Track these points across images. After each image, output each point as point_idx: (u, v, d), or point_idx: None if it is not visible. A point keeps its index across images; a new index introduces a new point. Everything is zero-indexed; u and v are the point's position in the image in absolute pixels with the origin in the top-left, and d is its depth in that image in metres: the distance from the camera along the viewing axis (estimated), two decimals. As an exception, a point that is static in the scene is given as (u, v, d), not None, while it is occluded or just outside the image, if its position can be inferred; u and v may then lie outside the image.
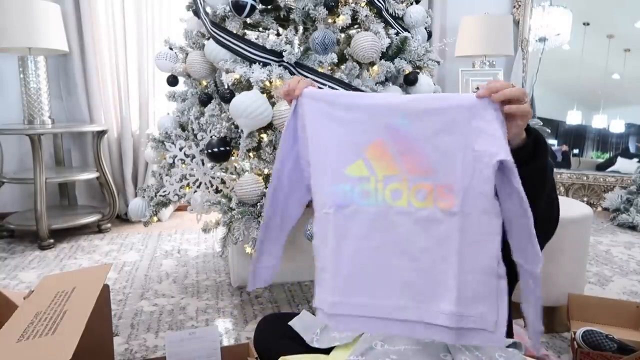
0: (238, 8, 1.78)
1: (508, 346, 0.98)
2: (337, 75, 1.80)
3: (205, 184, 1.97)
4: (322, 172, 0.88)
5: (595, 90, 3.70)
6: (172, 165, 1.97)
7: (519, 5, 3.70)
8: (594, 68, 3.64)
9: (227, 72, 1.77)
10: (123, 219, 3.19)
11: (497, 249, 0.78)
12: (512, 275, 0.80)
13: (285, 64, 1.76)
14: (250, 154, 1.85)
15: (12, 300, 1.30)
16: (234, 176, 2.00)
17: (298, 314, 1.21)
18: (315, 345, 1.09)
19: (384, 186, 0.83)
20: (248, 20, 1.94)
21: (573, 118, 3.78)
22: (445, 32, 3.63)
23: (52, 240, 2.66)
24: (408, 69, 1.91)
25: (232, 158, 1.90)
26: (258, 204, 1.76)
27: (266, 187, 1.75)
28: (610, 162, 3.68)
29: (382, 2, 1.90)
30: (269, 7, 1.87)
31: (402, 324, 0.83)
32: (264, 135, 1.80)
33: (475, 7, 3.53)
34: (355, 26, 1.99)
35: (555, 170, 3.72)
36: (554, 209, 1.00)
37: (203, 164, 1.95)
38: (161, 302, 1.96)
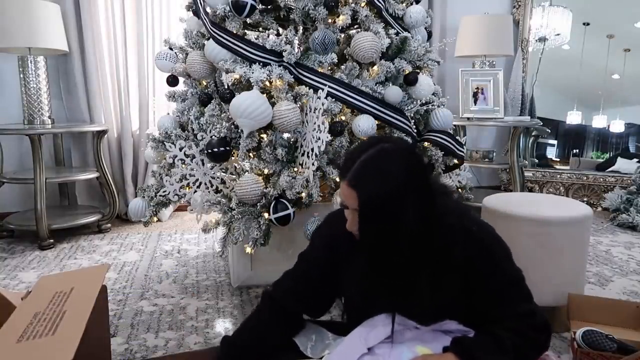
0: (238, 8, 1.78)
1: None
2: (337, 75, 1.80)
3: (205, 184, 1.97)
4: None
5: (595, 90, 3.69)
6: (172, 165, 1.96)
7: (519, 5, 3.69)
8: (594, 68, 3.64)
9: (227, 72, 1.77)
10: (123, 219, 3.18)
11: None
12: None
13: (285, 64, 1.76)
14: (250, 154, 1.85)
15: (10, 301, 1.29)
16: (234, 176, 2.00)
17: None
18: (309, 354, 1.09)
19: None
20: (248, 20, 1.93)
21: (573, 118, 3.78)
22: (445, 32, 3.62)
23: (52, 240, 2.66)
24: (408, 69, 1.91)
25: (232, 158, 1.90)
26: (258, 204, 1.76)
27: (266, 187, 1.75)
28: (610, 162, 3.68)
29: (382, 2, 1.90)
30: (269, 7, 1.87)
31: None
32: (264, 135, 1.80)
33: (475, 7, 3.52)
34: (355, 26, 1.99)
35: (553, 169, 3.72)
36: None
37: (203, 164, 1.95)
38: (161, 302, 1.96)
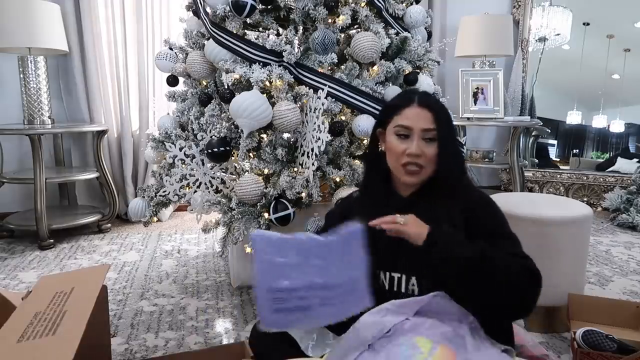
0: (238, 8, 1.78)
1: (502, 351, 0.98)
2: (337, 75, 1.80)
3: (205, 184, 1.97)
4: None
5: (595, 90, 3.69)
6: (172, 165, 1.97)
7: (519, 5, 3.69)
8: (594, 68, 3.64)
9: (227, 72, 1.77)
10: (123, 219, 3.18)
11: None
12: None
13: (285, 64, 1.76)
14: (250, 154, 1.85)
15: (10, 301, 1.29)
16: (234, 176, 2.00)
17: None
18: (310, 353, 1.09)
19: None
20: (248, 20, 1.93)
21: (573, 118, 3.78)
22: (445, 32, 3.62)
23: (52, 240, 2.66)
24: (408, 69, 1.91)
25: (232, 158, 1.90)
26: (258, 204, 1.76)
27: (266, 187, 1.75)
28: (610, 162, 3.68)
29: (382, 2, 1.90)
30: (269, 7, 1.87)
31: None
32: (264, 135, 1.80)
33: (475, 7, 3.52)
34: (355, 26, 1.99)
35: (552, 170, 3.72)
36: (517, 294, 0.97)
37: (203, 164, 1.95)
38: (161, 302, 1.96)
